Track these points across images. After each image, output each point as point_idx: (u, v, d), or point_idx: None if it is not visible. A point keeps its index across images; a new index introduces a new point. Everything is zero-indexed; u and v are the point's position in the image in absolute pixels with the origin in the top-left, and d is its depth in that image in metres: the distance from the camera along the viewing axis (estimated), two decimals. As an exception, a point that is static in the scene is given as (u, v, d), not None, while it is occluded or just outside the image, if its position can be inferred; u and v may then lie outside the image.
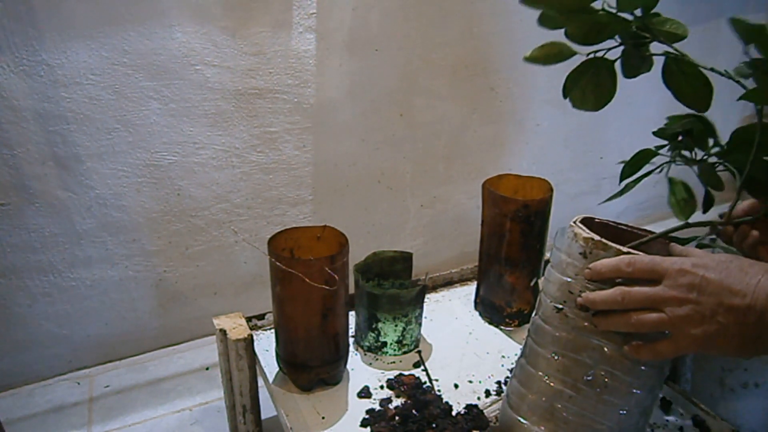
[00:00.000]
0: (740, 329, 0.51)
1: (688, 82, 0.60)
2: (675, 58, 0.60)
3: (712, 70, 0.58)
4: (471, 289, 1.04)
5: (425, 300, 0.90)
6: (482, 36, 1.20)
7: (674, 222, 0.64)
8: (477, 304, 1.00)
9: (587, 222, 0.63)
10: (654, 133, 0.67)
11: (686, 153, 0.67)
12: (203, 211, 1.12)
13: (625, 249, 0.57)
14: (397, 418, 0.75)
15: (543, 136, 1.41)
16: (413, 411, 0.76)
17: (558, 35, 0.62)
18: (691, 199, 0.67)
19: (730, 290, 0.51)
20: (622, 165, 0.68)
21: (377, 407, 0.78)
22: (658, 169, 0.68)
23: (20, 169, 0.96)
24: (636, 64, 0.62)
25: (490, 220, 0.92)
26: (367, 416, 0.76)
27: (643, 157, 0.68)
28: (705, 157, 0.65)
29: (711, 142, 0.64)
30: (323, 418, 0.77)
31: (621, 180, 0.69)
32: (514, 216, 0.87)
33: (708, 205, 0.69)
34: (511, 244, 0.90)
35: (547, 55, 0.62)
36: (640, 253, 0.56)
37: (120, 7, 0.93)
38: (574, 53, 0.62)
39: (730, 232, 0.69)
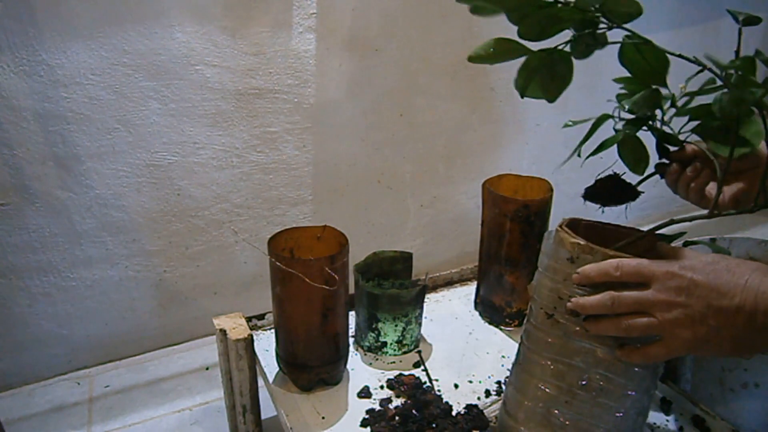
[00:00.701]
0: (731, 331, 0.51)
1: (644, 59, 0.60)
2: (630, 39, 0.59)
3: (680, 56, 0.57)
4: (471, 289, 1.04)
5: (425, 300, 0.90)
6: (482, 36, 1.20)
7: (661, 220, 0.64)
8: (477, 304, 1.00)
9: (574, 224, 0.63)
10: (620, 106, 0.67)
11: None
12: (203, 211, 1.12)
13: (611, 252, 0.56)
14: (397, 418, 0.75)
15: (543, 136, 1.41)
16: (413, 411, 0.76)
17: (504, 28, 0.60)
18: (643, 151, 0.68)
19: (718, 292, 0.51)
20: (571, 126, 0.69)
21: (377, 407, 0.78)
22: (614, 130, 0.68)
23: (20, 169, 0.96)
24: (587, 46, 0.60)
25: (490, 220, 0.92)
26: (367, 416, 0.76)
27: (600, 120, 0.68)
28: (662, 124, 0.66)
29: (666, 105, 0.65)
30: (323, 418, 0.77)
31: (581, 144, 0.68)
32: (514, 216, 0.87)
33: (663, 152, 0.70)
34: (511, 244, 0.90)
35: (496, 54, 0.59)
36: (628, 255, 0.56)
37: (120, 7, 0.93)
38: (527, 51, 0.59)
39: (675, 176, 0.69)
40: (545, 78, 0.62)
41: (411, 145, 1.26)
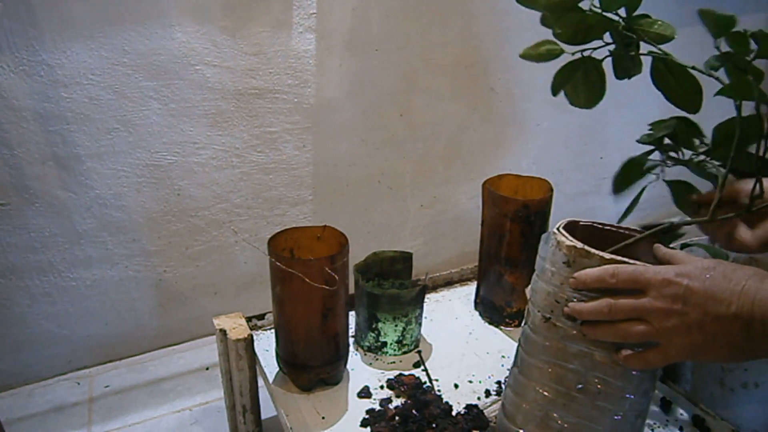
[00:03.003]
0: (728, 338, 0.50)
1: (677, 83, 0.60)
2: (662, 59, 0.60)
3: (693, 68, 0.58)
4: (471, 289, 1.04)
5: (425, 300, 0.91)
6: (482, 36, 1.20)
7: (661, 219, 0.64)
8: (477, 304, 1.00)
9: (571, 226, 0.62)
10: (638, 141, 0.68)
11: (674, 154, 0.67)
12: (203, 211, 1.12)
13: (607, 256, 0.56)
14: (397, 418, 0.75)
15: (543, 136, 1.41)
16: (413, 411, 0.76)
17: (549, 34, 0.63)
18: (696, 194, 0.68)
19: (714, 299, 0.50)
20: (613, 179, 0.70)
21: (377, 407, 0.78)
22: (656, 176, 0.68)
23: (20, 169, 0.96)
24: (626, 65, 0.63)
25: (490, 220, 0.92)
26: (367, 416, 0.77)
27: (634, 167, 0.68)
28: (693, 157, 0.65)
29: (697, 141, 0.65)
30: (323, 418, 0.77)
31: (615, 192, 0.69)
32: (514, 216, 0.88)
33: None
34: (511, 244, 0.90)
35: (540, 54, 0.64)
36: (625, 259, 0.55)
37: (120, 7, 0.93)
38: (562, 52, 0.63)
39: (712, 227, 0.68)
40: (580, 83, 0.65)
41: (411, 145, 1.26)
